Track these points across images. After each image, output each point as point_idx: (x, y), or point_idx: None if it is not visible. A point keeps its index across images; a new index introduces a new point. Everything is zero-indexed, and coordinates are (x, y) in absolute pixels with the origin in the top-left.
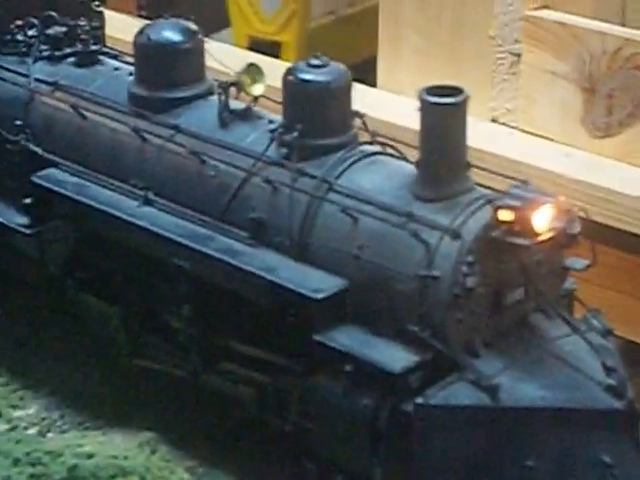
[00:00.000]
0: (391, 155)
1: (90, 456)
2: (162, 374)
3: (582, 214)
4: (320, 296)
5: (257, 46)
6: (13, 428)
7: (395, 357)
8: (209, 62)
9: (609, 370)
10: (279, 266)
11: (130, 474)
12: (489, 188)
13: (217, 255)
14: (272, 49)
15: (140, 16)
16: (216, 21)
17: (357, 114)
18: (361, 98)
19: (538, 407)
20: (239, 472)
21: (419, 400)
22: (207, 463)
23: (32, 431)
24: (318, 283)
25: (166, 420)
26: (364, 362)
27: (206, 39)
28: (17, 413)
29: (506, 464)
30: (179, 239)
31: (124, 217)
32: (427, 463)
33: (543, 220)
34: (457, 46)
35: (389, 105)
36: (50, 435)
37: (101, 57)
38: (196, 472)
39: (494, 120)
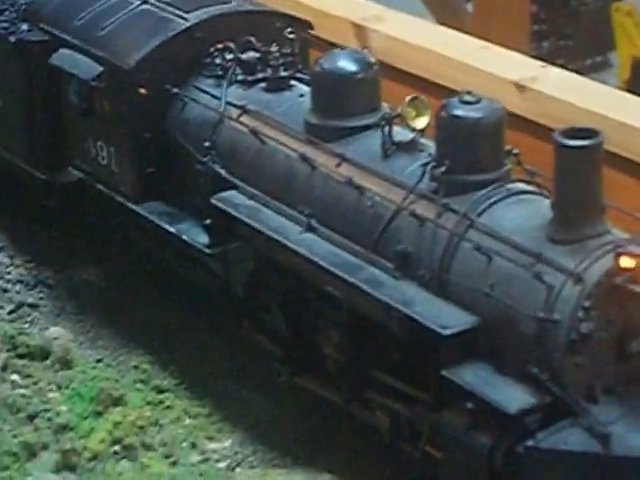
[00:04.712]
0: (542, 194)
1: None
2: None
3: None
4: (448, 332)
5: None
6: (205, 460)
7: (513, 398)
8: None
9: None
10: (417, 300)
11: None
12: None
13: (361, 285)
14: None
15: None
16: (603, 44)
17: (510, 152)
18: None
19: None
20: None
21: (529, 443)
22: None
23: (222, 465)
24: (449, 319)
25: (348, 463)
26: (483, 401)
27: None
28: (212, 445)
29: None
30: (330, 267)
31: (286, 243)
32: None
33: None
34: None
35: None
36: (238, 470)
37: (294, 83)
38: None
39: None
